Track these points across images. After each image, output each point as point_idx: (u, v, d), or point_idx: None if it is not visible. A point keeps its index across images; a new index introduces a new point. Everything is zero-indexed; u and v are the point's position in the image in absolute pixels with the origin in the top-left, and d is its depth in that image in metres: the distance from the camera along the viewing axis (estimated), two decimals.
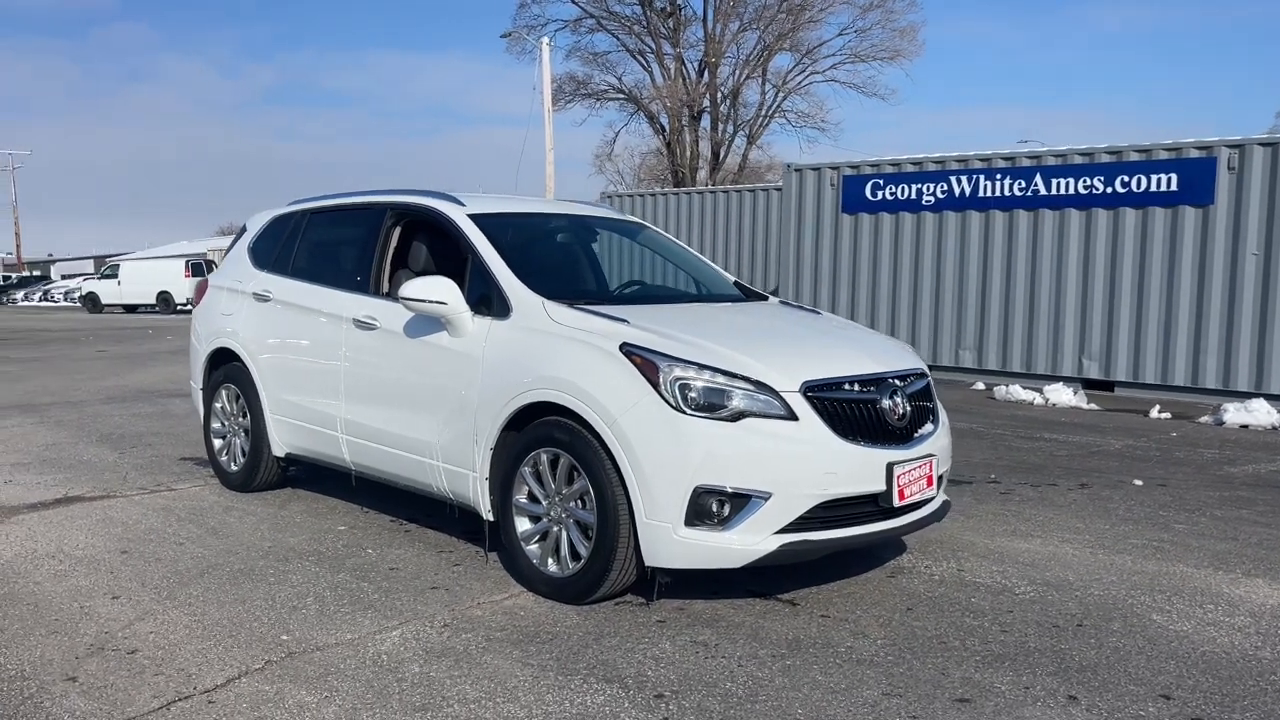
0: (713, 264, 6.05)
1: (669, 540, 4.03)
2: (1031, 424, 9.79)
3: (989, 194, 13.35)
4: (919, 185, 13.99)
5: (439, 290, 4.76)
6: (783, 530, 4.03)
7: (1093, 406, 11.08)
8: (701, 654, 3.80)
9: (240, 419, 6.36)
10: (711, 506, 3.99)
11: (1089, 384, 12.55)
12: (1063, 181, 12.74)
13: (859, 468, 4.15)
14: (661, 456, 4.02)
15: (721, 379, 4.06)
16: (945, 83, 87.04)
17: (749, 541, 4.01)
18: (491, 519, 4.70)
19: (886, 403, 4.30)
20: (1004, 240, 13.24)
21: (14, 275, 61.78)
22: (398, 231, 5.60)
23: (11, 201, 61.35)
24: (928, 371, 4.75)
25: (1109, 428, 9.62)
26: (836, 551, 4.35)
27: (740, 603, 4.36)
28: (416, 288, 4.78)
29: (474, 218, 5.19)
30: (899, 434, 4.33)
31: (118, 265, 41.39)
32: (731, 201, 18.86)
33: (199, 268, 37.70)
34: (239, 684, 3.53)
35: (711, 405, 4.03)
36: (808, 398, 4.11)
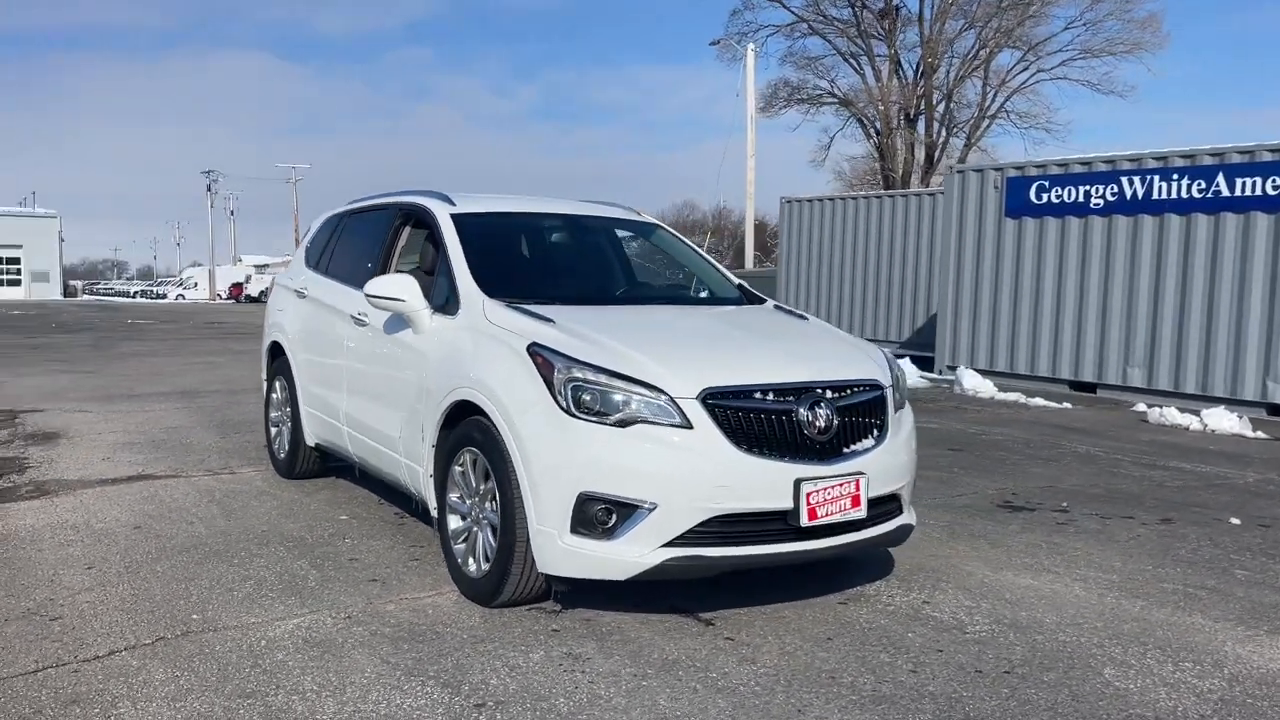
0: (719, 268, 5.82)
1: (555, 547, 3.91)
2: (1166, 450, 8.81)
3: (1164, 196, 12.13)
4: (1087, 187, 12.91)
5: (398, 287, 4.84)
6: (671, 543, 3.82)
7: (1259, 435, 9.83)
8: (564, 667, 3.66)
9: (286, 409, 6.70)
10: (597, 514, 3.84)
11: (1275, 409, 11.17)
12: (1250, 181, 11.40)
13: (759, 482, 3.87)
14: (550, 460, 3.91)
15: (618, 383, 3.90)
16: (1200, 75, 79.79)
17: (634, 553, 3.82)
18: (436, 515, 4.72)
19: (805, 414, 3.98)
20: (1179, 247, 11.99)
21: None
22: (405, 231, 5.74)
23: (293, 210, 68.07)
24: (883, 383, 4.36)
25: (1260, 459, 8.51)
26: (742, 570, 4.08)
27: (654, 618, 4.17)
28: (379, 285, 4.88)
29: (455, 217, 5.24)
30: (819, 448, 4.01)
31: None
32: (897, 207, 18.12)
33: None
34: (115, 657, 3.71)
35: (603, 409, 3.88)
36: (706, 405, 3.88)
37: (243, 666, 3.63)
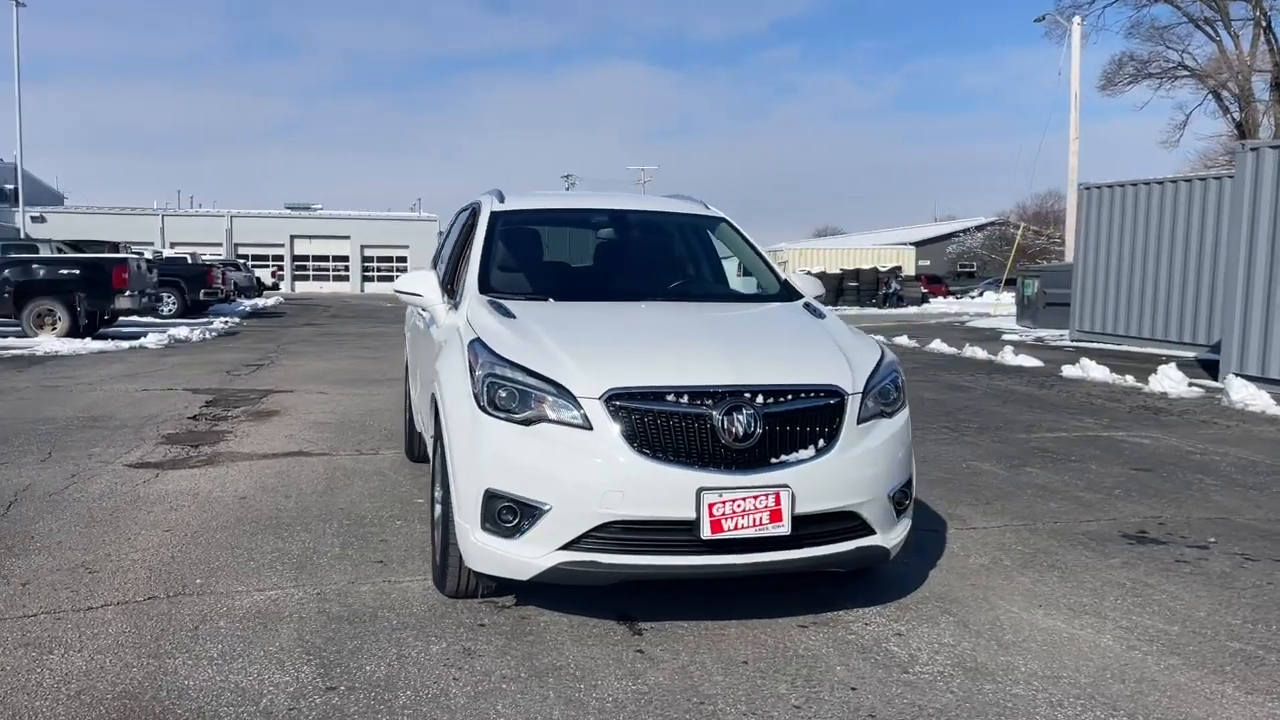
0: (770, 264, 5.46)
1: (469, 542, 3.93)
2: None
3: None
4: None
5: (417, 283, 5.06)
6: (566, 547, 3.72)
7: None
8: (447, 661, 3.68)
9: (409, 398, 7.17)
10: (501, 513, 3.81)
11: None
12: None
13: (659, 489, 3.66)
14: (464, 455, 3.94)
15: (532, 380, 3.84)
16: None
17: (531, 554, 3.76)
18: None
19: (720, 420, 3.71)
20: None
21: None
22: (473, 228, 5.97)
23: None
24: (843, 390, 3.94)
25: None
26: (648, 580, 3.86)
27: (590, 622, 4.07)
28: (403, 281, 5.12)
29: (493, 214, 5.39)
30: (735, 457, 3.72)
31: None
32: (1208, 192, 16.00)
33: None
34: (101, 610, 4.18)
35: (514, 407, 3.84)
36: (610, 406, 3.73)
37: (182, 629, 3.98)
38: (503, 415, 3.84)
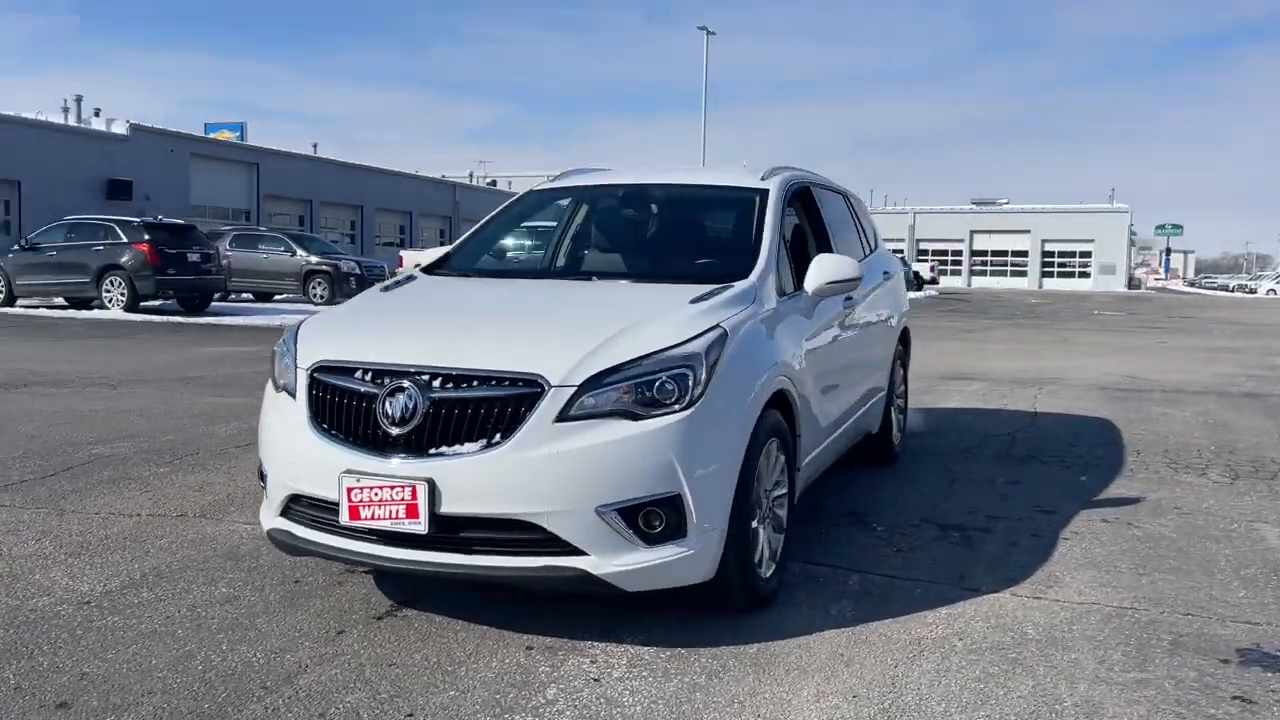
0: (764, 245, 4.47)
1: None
2: None
3: None
4: None
5: (428, 256, 5.26)
6: (282, 514, 3.70)
7: None
8: (238, 622, 3.80)
9: None
10: (260, 476, 3.94)
11: None
12: None
13: (320, 466, 3.47)
14: None
15: (287, 352, 3.89)
16: None
17: (265, 517, 3.84)
18: None
19: (385, 401, 3.38)
20: None
21: None
22: None
23: None
24: (547, 383, 3.28)
25: None
26: (339, 561, 3.60)
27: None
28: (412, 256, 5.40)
29: (530, 191, 5.38)
30: (394, 442, 3.36)
31: None
32: None
33: None
34: (95, 597, 3.95)
35: (276, 377, 3.93)
36: (310, 378, 3.62)
37: (125, 542, 4.69)
38: (275, 386, 3.95)
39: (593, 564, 3.28)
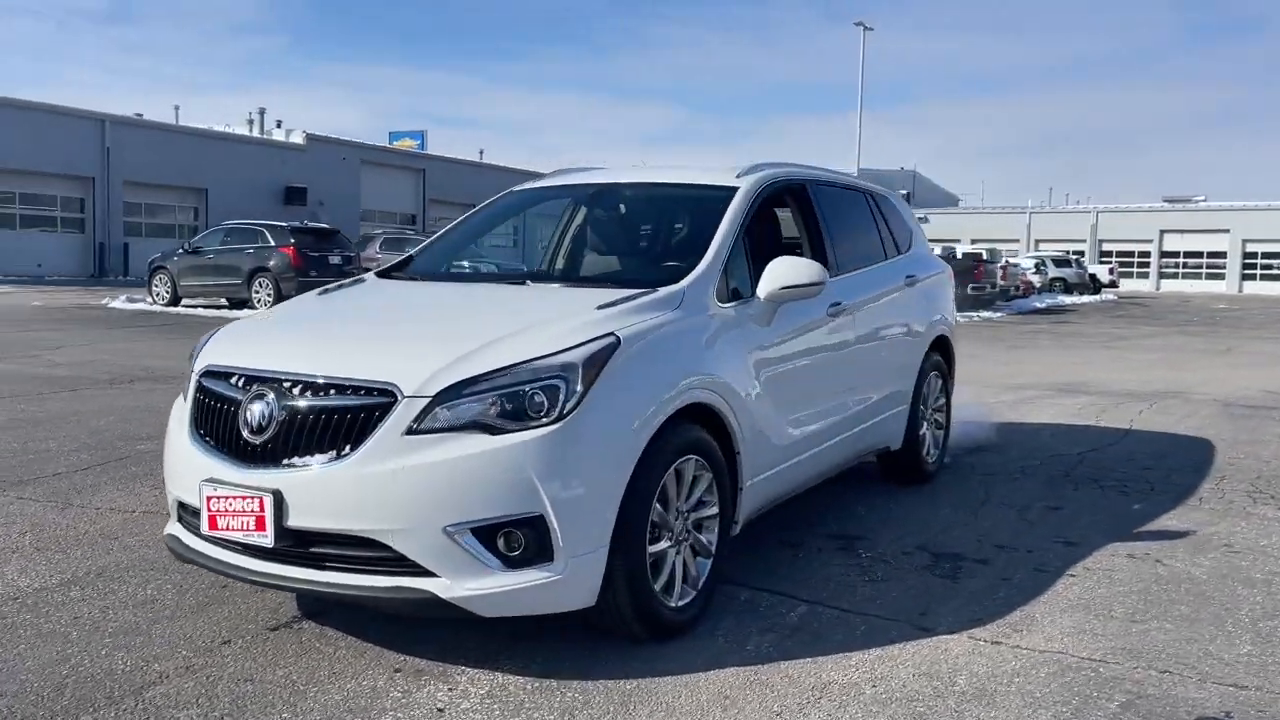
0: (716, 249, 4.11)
1: None
2: None
3: None
4: None
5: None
6: (178, 520, 3.67)
7: None
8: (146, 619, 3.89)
9: None
10: None
11: None
12: None
13: (186, 473, 3.42)
14: None
15: (194, 354, 3.84)
16: None
17: (168, 525, 3.81)
18: None
19: (245, 408, 3.28)
20: None
21: None
22: None
23: None
24: (401, 392, 3.09)
25: None
26: (212, 571, 3.49)
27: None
28: None
29: (515, 191, 5.21)
30: (253, 451, 3.24)
31: None
32: None
33: None
34: (27, 593, 3.96)
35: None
36: (198, 383, 3.57)
37: (98, 538, 4.84)
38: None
39: (443, 586, 3.08)
